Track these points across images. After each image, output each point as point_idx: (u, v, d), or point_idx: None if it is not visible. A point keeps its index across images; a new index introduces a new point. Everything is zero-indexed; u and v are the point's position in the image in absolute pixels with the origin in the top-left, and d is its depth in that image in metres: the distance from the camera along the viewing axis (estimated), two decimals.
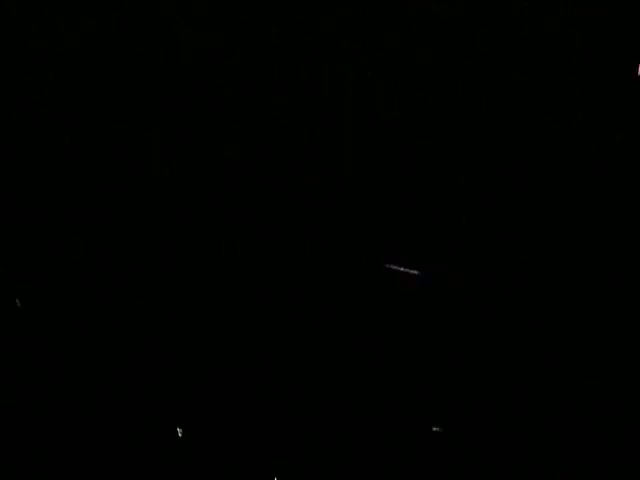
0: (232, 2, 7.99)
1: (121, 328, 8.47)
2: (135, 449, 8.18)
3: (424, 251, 8.75)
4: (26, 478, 7.66)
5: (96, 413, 8.31)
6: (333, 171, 8.53)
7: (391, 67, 8.12)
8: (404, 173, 8.58)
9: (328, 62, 8.11)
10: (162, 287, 8.55)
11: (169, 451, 8.13)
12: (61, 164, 8.34)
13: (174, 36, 8.07)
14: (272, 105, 8.29)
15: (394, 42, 8.02)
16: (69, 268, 8.47)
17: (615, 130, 8.21)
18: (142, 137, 8.29)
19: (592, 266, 8.56)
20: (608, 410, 8.44)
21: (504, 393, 8.68)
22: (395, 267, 8.86)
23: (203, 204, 8.58)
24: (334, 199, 8.65)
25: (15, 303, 8.23)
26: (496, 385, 8.74)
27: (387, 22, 7.99)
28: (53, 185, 8.36)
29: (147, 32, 8.08)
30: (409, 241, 8.79)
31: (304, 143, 8.45)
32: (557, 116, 8.24)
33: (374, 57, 8.08)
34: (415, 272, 8.77)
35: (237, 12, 8.00)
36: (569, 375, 8.58)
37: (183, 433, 8.03)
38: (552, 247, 8.61)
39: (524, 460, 8.37)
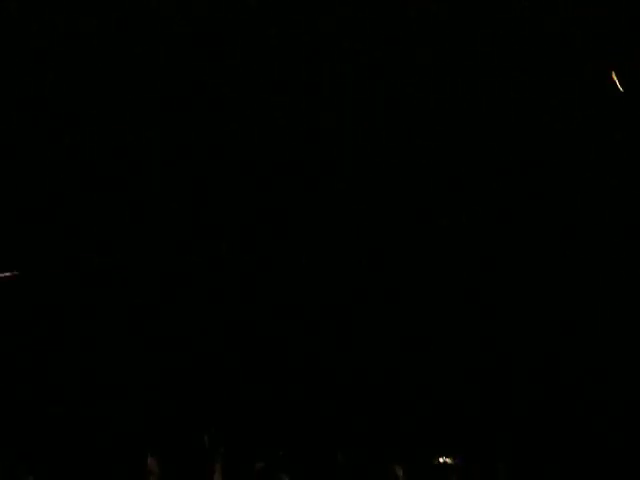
0: (232, 2, 7.98)
1: (122, 326, 8.47)
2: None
3: (425, 253, 8.74)
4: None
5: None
6: (333, 170, 8.52)
7: (391, 67, 8.11)
8: (404, 172, 8.57)
9: (328, 62, 8.10)
10: (161, 284, 8.54)
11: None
12: (61, 164, 8.33)
13: (174, 36, 8.05)
14: (272, 105, 8.28)
15: (394, 42, 8.01)
16: (69, 266, 8.46)
17: (615, 130, 8.20)
18: (142, 137, 8.27)
19: (592, 264, 8.55)
20: (606, 407, 8.44)
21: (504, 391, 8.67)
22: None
23: (202, 202, 8.57)
24: (334, 197, 8.64)
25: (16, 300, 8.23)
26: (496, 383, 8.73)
27: (387, 22, 7.98)
28: (53, 184, 8.35)
29: (147, 32, 8.06)
30: (408, 241, 8.77)
31: (304, 142, 8.44)
32: (557, 116, 8.23)
33: (374, 57, 8.07)
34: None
35: (237, 12, 7.99)
36: (569, 373, 8.58)
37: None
38: (552, 247, 8.61)
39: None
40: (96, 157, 8.32)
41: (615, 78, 7.67)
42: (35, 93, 8.12)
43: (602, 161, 8.30)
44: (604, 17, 7.83)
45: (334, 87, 8.18)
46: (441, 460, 8.14)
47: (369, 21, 8.01)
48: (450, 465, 8.13)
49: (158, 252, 8.53)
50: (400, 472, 7.94)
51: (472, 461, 8.26)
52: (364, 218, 8.65)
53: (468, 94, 8.16)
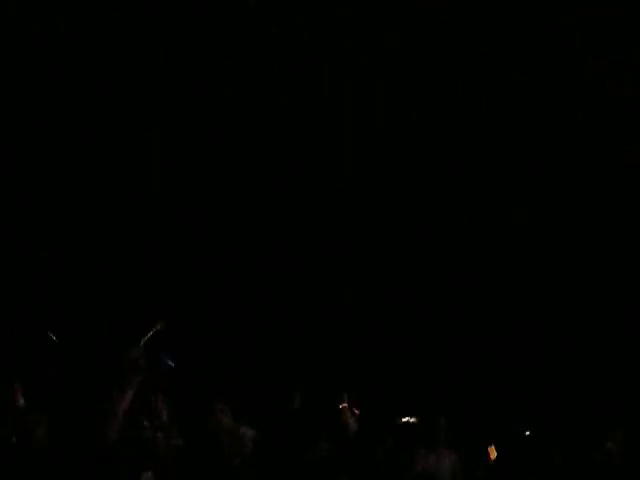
0: (232, 2, 7.97)
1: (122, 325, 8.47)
2: None
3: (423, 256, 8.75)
4: None
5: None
6: (333, 169, 8.53)
7: (391, 67, 8.10)
8: (404, 172, 8.57)
9: (328, 62, 8.09)
10: (161, 282, 8.55)
11: None
12: (61, 164, 8.33)
13: (174, 36, 8.05)
14: (272, 105, 8.28)
15: (394, 42, 8.00)
16: (69, 265, 8.47)
17: (615, 130, 8.21)
18: (142, 137, 8.28)
19: (592, 265, 8.57)
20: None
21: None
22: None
23: (202, 202, 8.58)
24: (334, 197, 8.64)
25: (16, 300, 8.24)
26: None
27: (387, 22, 7.97)
28: (53, 184, 8.36)
29: (147, 32, 8.05)
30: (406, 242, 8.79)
31: (304, 142, 8.44)
32: (557, 116, 8.22)
33: (374, 57, 8.06)
34: None
35: (237, 12, 7.98)
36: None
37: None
38: (552, 248, 8.62)
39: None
40: (96, 157, 8.33)
41: None
42: (35, 93, 8.13)
43: (602, 161, 8.30)
44: (604, 17, 7.83)
45: (334, 87, 8.18)
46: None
47: (369, 21, 8.00)
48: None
49: (157, 249, 8.55)
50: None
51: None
52: (362, 217, 8.66)
53: (468, 94, 8.16)
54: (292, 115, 8.29)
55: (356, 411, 7.53)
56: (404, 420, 7.92)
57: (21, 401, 6.40)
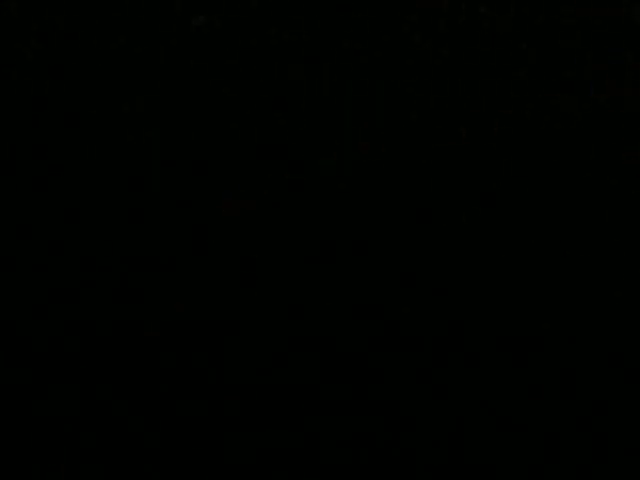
0: (231, 2, 8.02)
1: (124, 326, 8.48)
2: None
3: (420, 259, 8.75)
4: None
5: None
6: (333, 169, 8.55)
7: (391, 67, 8.15)
8: (404, 175, 8.60)
9: (328, 62, 8.14)
10: (160, 286, 8.56)
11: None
12: (60, 164, 8.36)
13: (174, 36, 8.09)
14: (272, 105, 8.32)
15: (394, 42, 8.06)
16: (68, 267, 8.48)
17: (615, 130, 8.24)
18: (142, 137, 8.31)
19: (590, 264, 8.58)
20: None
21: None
22: None
23: (201, 203, 8.59)
24: (333, 199, 8.66)
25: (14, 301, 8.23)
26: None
27: (387, 22, 8.02)
28: (53, 184, 8.38)
29: (147, 32, 8.10)
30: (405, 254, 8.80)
31: (304, 142, 8.47)
32: (557, 116, 8.26)
33: (374, 57, 8.11)
34: None
35: (237, 12, 8.03)
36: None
37: None
38: (551, 250, 8.63)
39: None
40: (95, 157, 8.36)
41: None
42: (35, 93, 8.16)
43: (602, 161, 8.33)
44: (604, 17, 7.87)
45: (334, 87, 8.22)
46: None
47: (369, 21, 8.05)
48: None
49: (156, 252, 8.55)
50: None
51: None
52: (362, 220, 8.67)
53: (468, 94, 8.20)
54: (292, 115, 8.33)
55: None
56: None
57: None
